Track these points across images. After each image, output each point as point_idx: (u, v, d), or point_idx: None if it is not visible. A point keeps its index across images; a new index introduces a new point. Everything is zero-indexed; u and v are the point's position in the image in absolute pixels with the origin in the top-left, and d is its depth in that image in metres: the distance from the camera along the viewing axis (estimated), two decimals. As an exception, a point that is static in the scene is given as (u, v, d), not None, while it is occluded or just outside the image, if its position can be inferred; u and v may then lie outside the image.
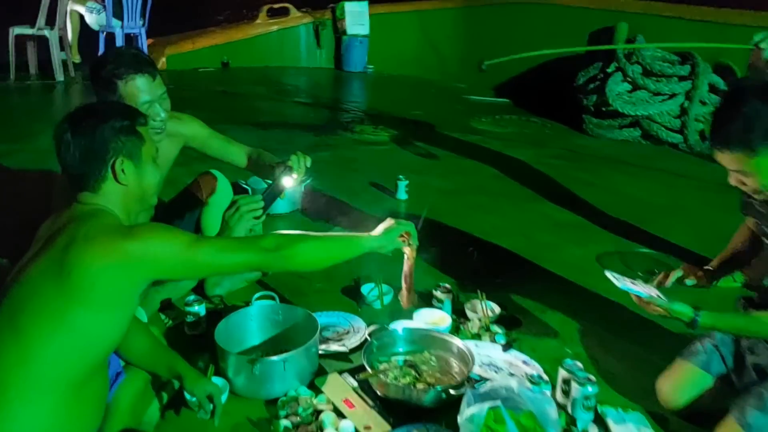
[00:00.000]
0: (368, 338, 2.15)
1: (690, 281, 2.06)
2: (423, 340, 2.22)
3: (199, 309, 2.37)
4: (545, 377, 2.03)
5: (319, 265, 1.72)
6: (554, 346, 2.45)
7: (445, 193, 4.16)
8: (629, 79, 5.60)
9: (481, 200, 4.04)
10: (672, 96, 5.48)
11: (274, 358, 1.99)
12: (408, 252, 1.90)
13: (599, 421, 1.99)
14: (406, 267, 1.93)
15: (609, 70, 5.69)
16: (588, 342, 2.49)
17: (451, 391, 1.93)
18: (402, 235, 1.83)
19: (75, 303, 1.42)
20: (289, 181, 2.07)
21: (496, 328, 2.46)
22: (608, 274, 1.95)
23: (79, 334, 1.43)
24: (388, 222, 1.83)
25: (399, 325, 2.33)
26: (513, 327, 2.54)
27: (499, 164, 4.82)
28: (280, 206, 3.48)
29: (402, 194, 3.90)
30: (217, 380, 2.03)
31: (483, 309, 2.53)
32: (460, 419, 1.69)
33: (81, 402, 1.48)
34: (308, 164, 2.14)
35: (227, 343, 2.12)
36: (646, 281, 2.05)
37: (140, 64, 2.08)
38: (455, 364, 2.13)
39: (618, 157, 5.21)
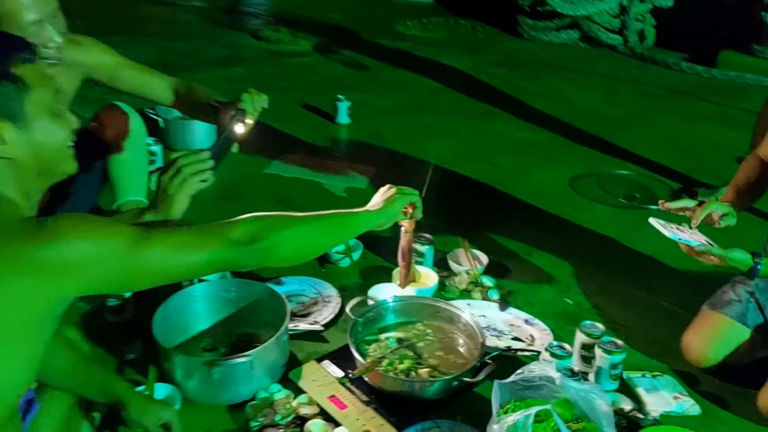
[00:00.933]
0: (350, 315, 1.73)
1: (725, 221, 1.74)
2: (413, 309, 1.84)
3: (123, 289, 1.85)
4: (567, 347, 1.71)
5: (307, 256, 1.25)
6: (552, 296, 2.16)
7: (387, 112, 3.68)
8: (567, -25, 5.18)
9: (429, 120, 3.61)
10: (611, -8, 5.14)
11: (238, 359, 1.55)
12: (407, 225, 1.46)
13: (624, 389, 1.73)
14: (403, 241, 1.51)
15: (544, -36, 5.23)
16: (586, 288, 2.20)
17: (465, 379, 1.58)
18: (406, 207, 1.39)
19: None
20: (242, 129, 1.53)
21: (486, 281, 2.12)
22: (653, 221, 1.62)
23: None
24: (388, 191, 1.37)
25: (380, 292, 1.93)
26: (501, 276, 2.21)
27: (437, 75, 4.39)
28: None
29: (344, 118, 3.38)
30: (163, 388, 1.59)
31: (469, 259, 2.16)
32: (495, 427, 1.33)
33: None
34: (265, 105, 1.61)
35: (168, 335, 1.67)
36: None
37: None
38: (460, 339, 1.77)
39: (559, 63, 4.88)
